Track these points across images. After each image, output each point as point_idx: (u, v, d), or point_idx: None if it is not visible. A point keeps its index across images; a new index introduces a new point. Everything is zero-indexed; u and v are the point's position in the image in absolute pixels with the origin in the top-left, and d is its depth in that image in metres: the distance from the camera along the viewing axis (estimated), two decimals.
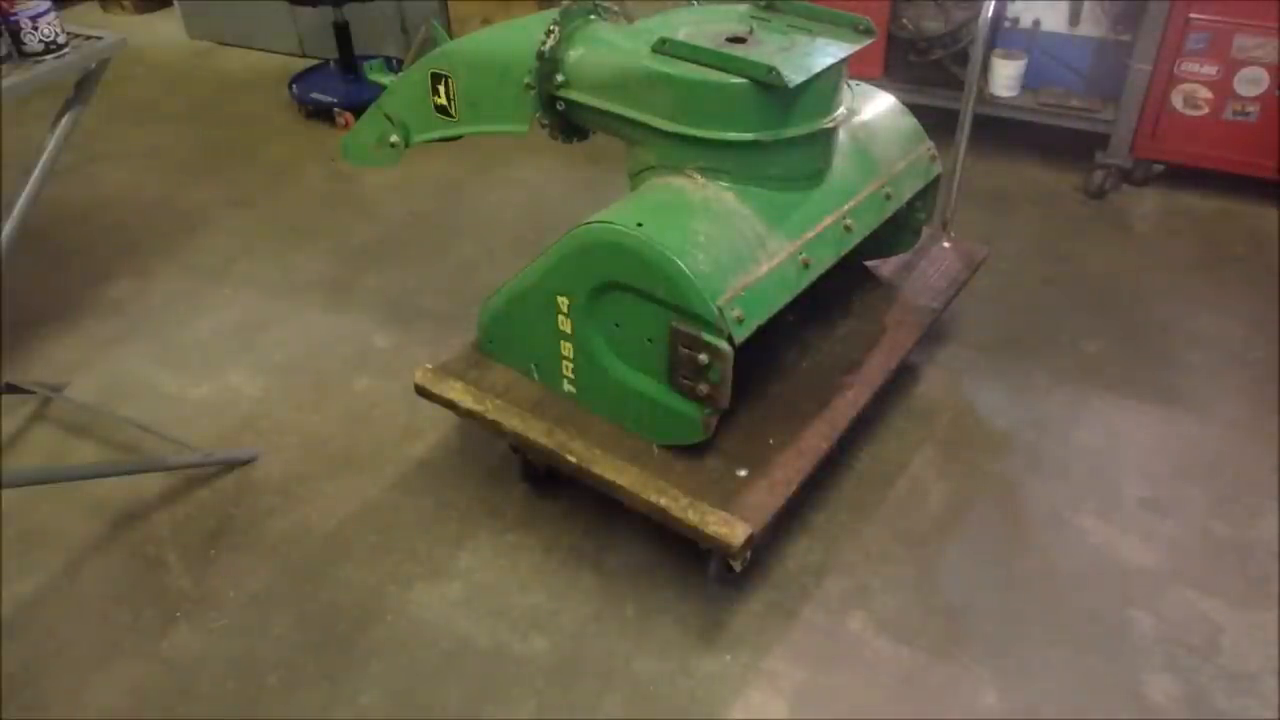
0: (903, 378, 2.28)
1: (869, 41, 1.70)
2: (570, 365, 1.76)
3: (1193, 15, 2.75)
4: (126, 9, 4.97)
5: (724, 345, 1.50)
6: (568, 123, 1.85)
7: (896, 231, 2.07)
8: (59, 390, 2.35)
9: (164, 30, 4.70)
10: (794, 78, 1.51)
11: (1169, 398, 2.29)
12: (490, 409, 1.81)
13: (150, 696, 1.68)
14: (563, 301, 1.68)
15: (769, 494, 1.64)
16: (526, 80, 1.77)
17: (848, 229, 1.75)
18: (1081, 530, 1.94)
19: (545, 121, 1.84)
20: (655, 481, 1.65)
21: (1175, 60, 2.83)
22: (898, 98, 2.00)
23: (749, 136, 1.61)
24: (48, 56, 1.81)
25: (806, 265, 1.66)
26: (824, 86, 1.64)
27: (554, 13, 1.75)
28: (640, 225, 1.53)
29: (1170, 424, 2.22)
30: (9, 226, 1.85)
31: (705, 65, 1.59)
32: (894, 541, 1.93)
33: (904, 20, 3.16)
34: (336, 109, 3.65)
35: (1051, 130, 3.14)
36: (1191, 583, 1.84)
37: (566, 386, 1.80)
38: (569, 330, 1.71)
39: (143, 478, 2.08)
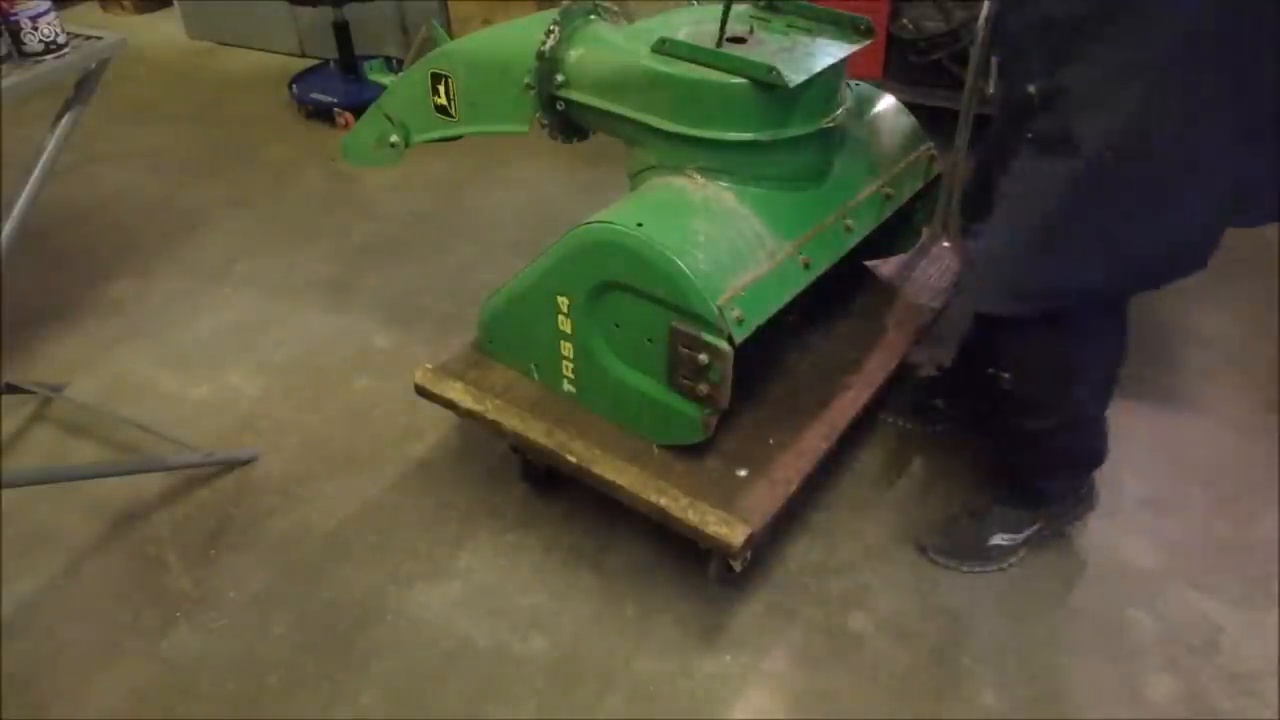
0: (903, 378, 2.28)
1: (869, 41, 1.70)
2: (570, 365, 1.76)
3: None
4: (126, 9, 4.98)
5: (724, 345, 1.50)
6: (568, 123, 1.85)
7: (896, 231, 2.07)
8: (59, 390, 2.35)
9: (164, 30, 4.71)
10: (794, 78, 1.51)
11: (1169, 398, 2.29)
12: (490, 409, 1.81)
13: (150, 696, 1.68)
14: (563, 301, 1.68)
15: (769, 494, 1.64)
16: (526, 80, 1.77)
17: (848, 229, 1.75)
18: (1082, 530, 1.93)
19: (545, 121, 1.84)
20: (655, 481, 1.65)
21: None
22: (898, 98, 2.00)
23: (749, 136, 1.60)
24: (48, 56, 1.81)
25: (806, 265, 1.66)
26: (824, 86, 1.64)
27: (554, 13, 1.75)
28: (640, 225, 1.53)
29: (1170, 424, 2.22)
30: (9, 226, 1.85)
31: (705, 65, 1.59)
32: (894, 541, 1.93)
33: (904, 20, 3.16)
34: (336, 109, 3.65)
35: None
36: (1191, 583, 1.84)
37: (566, 386, 1.80)
38: (569, 330, 1.71)
39: (143, 478, 2.08)
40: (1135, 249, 1.45)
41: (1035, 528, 1.87)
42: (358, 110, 3.07)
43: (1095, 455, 1.83)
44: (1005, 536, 1.86)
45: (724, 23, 1.63)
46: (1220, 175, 1.40)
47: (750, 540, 1.56)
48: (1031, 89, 1.42)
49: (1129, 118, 1.34)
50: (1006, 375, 1.68)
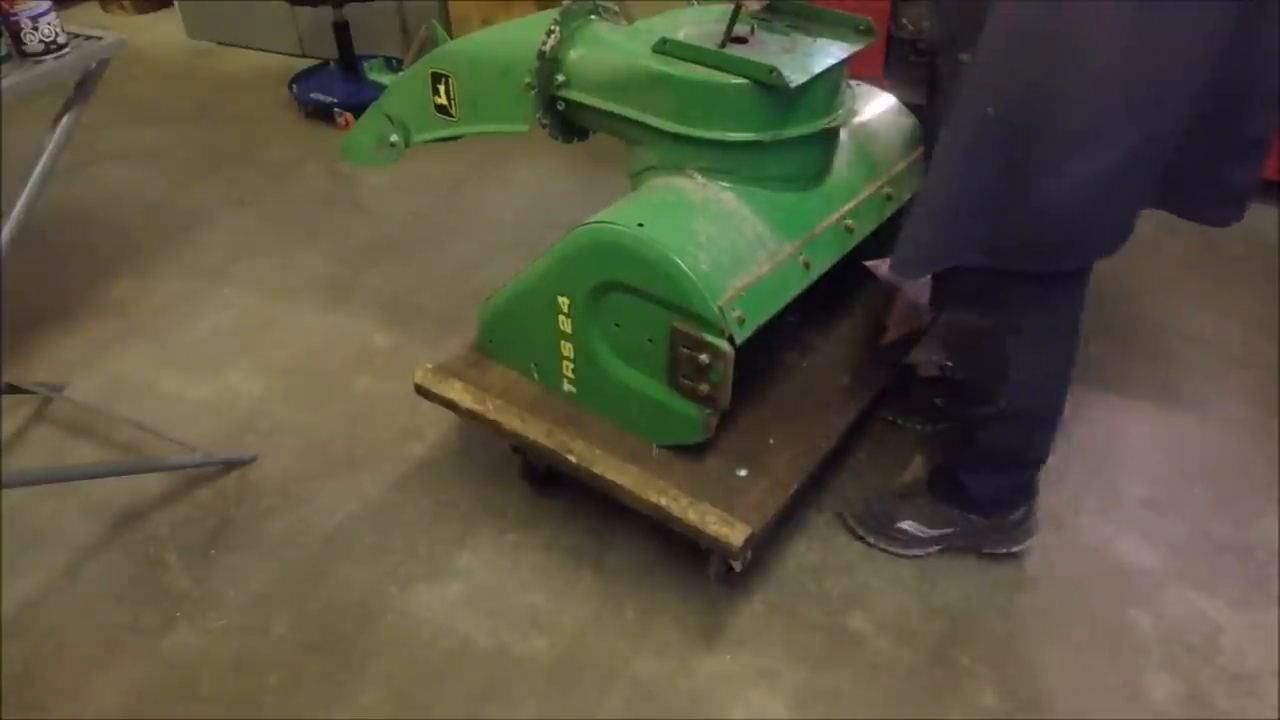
0: (903, 377, 2.28)
1: (869, 42, 1.70)
2: (570, 365, 1.76)
3: None
4: (126, 9, 4.97)
5: (724, 345, 1.50)
6: (568, 123, 1.85)
7: (897, 231, 2.06)
8: (59, 390, 2.35)
9: (164, 30, 4.70)
10: (795, 78, 1.51)
11: (1169, 397, 2.29)
12: (490, 409, 1.81)
13: (150, 696, 1.68)
14: (563, 301, 1.68)
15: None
16: (527, 80, 1.77)
17: (848, 229, 1.75)
18: (1081, 530, 1.94)
19: (545, 121, 1.83)
20: (655, 481, 1.65)
21: None
22: (898, 98, 2.00)
23: (750, 137, 1.60)
24: (48, 56, 1.81)
25: (807, 266, 1.66)
26: (825, 87, 1.64)
27: (554, 13, 1.75)
28: (641, 225, 1.53)
29: (1170, 424, 2.22)
30: (9, 226, 1.85)
31: (706, 66, 1.59)
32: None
33: (904, 20, 3.16)
34: (336, 109, 3.64)
35: None
36: (1191, 583, 1.84)
37: (566, 386, 1.80)
38: (569, 330, 1.71)
39: (143, 478, 2.08)
40: (1021, 214, 1.42)
41: (949, 530, 1.85)
42: (358, 110, 3.06)
43: (1021, 457, 1.77)
44: (915, 525, 1.85)
45: (731, 24, 1.63)
46: (1107, 144, 1.35)
47: (750, 540, 1.56)
48: (965, 57, 1.42)
49: (1016, 76, 1.33)
50: (949, 363, 1.68)
